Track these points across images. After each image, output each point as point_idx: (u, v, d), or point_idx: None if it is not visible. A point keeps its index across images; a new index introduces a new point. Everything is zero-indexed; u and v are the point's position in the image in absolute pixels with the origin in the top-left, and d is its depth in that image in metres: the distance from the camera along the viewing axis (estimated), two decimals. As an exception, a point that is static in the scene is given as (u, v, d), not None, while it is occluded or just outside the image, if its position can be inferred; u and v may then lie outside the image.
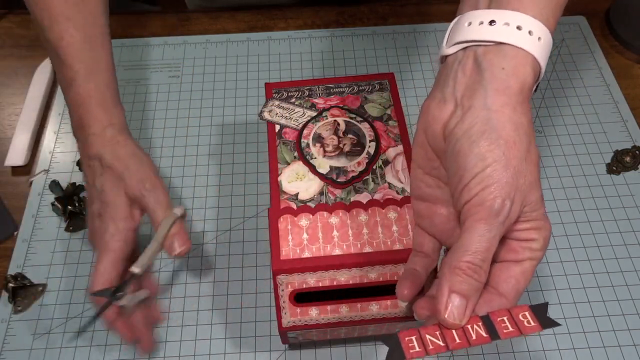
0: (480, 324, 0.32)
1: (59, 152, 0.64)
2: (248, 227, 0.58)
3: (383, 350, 0.51)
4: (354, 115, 0.50)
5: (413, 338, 0.31)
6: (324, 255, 0.42)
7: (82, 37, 0.49)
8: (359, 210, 0.44)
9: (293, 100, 0.51)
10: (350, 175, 0.46)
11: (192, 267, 0.56)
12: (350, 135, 0.48)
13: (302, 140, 0.48)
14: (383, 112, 0.50)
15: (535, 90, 0.36)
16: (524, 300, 0.53)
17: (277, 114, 0.50)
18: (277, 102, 0.51)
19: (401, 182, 0.45)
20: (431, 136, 0.36)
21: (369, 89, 0.52)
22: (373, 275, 0.42)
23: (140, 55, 0.73)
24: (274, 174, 0.46)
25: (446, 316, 0.32)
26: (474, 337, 0.31)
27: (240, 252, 0.57)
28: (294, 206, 0.44)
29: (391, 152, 0.47)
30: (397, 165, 0.46)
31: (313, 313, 0.42)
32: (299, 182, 0.46)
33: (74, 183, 0.61)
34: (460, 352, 0.51)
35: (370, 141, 0.48)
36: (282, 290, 0.42)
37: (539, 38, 0.34)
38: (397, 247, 0.42)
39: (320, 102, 0.51)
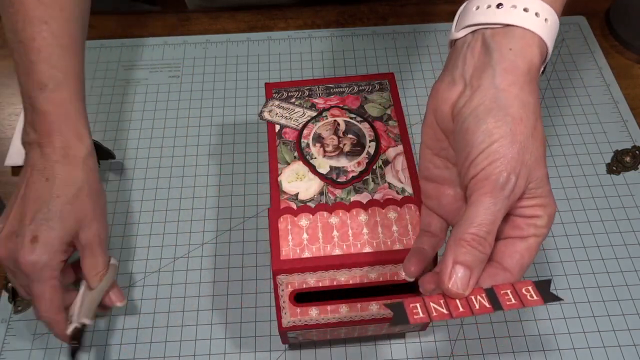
0: (483, 295, 0.32)
1: (59, 152, 0.64)
2: (248, 227, 0.58)
3: (383, 350, 0.51)
4: (354, 115, 0.50)
5: (417, 305, 0.32)
6: (324, 255, 0.42)
7: (57, 42, 0.47)
8: (359, 210, 0.44)
9: (293, 100, 0.51)
10: (350, 175, 0.46)
11: (192, 267, 0.56)
12: (350, 135, 0.48)
13: (302, 140, 0.48)
14: (383, 112, 0.50)
15: (543, 72, 0.37)
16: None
17: (277, 114, 0.50)
18: (277, 102, 0.51)
19: (401, 182, 0.45)
20: (440, 117, 0.37)
21: (369, 89, 0.52)
22: (373, 275, 0.42)
23: (140, 55, 0.73)
24: (274, 174, 0.46)
25: (450, 286, 0.32)
26: (477, 307, 0.32)
27: (240, 252, 0.57)
28: (294, 206, 0.44)
29: (391, 152, 0.47)
30: (397, 165, 0.46)
31: (313, 313, 0.42)
32: (299, 182, 0.46)
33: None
34: (460, 352, 0.51)
35: (370, 141, 0.48)
36: (282, 290, 0.42)
37: (546, 20, 0.35)
38: (397, 247, 0.42)
39: (320, 102, 0.51)
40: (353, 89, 0.52)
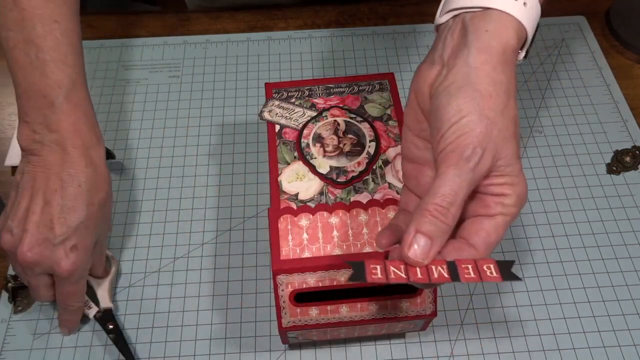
0: (444, 266, 0.33)
1: (59, 152, 0.64)
2: (248, 227, 0.58)
3: (383, 350, 0.51)
4: (354, 115, 0.50)
5: (377, 267, 0.32)
6: (324, 255, 0.42)
7: (68, 40, 0.48)
8: (359, 210, 0.44)
9: (293, 100, 0.51)
10: (350, 175, 0.46)
11: (192, 267, 0.56)
12: (350, 135, 0.48)
13: (302, 140, 0.48)
14: (383, 112, 0.50)
15: (526, 57, 0.38)
16: (526, 299, 0.53)
17: (277, 114, 0.50)
18: (277, 102, 0.51)
19: (401, 182, 0.45)
20: (420, 97, 0.37)
21: (369, 89, 0.52)
22: (373, 275, 0.42)
23: (140, 55, 0.73)
24: (274, 174, 0.46)
25: (409, 254, 0.33)
26: (435, 275, 0.32)
27: (240, 252, 0.57)
28: (294, 206, 0.44)
29: (391, 152, 0.47)
30: (397, 165, 0.46)
31: (313, 313, 0.42)
32: (299, 182, 0.46)
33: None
34: (460, 352, 0.51)
35: (370, 141, 0.48)
36: (282, 290, 0.42)
37: (524, 3, 0.36)
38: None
39: (320, 102, 0.51)
40: (353, 89, 0.52)
